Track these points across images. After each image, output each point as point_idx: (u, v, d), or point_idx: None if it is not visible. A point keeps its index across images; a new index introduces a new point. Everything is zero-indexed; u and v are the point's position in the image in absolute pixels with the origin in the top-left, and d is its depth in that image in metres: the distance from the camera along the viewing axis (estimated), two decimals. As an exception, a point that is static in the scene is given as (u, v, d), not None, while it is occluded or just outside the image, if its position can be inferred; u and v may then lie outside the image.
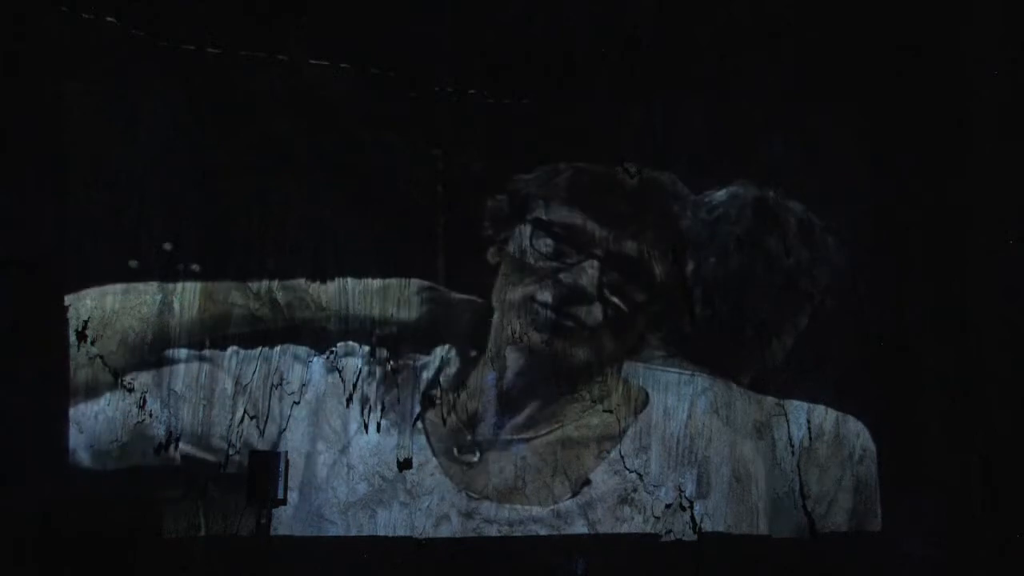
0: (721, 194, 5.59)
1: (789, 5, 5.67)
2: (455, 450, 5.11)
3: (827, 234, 5.73)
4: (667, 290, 5.46)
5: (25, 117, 4.52)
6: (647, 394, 5.41)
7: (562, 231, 5.32)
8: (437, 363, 5.13)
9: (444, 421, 5.10)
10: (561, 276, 5.29)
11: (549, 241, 5.30)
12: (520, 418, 5.22)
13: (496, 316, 5.22)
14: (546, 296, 5.26)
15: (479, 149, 5.24)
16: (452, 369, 5.15)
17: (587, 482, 5.26)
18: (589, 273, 5.32)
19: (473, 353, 5.17)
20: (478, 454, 5.15)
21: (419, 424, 5.07)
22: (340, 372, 4.98)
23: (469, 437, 5.13)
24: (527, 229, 5.29)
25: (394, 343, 5.07)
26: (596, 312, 5.32)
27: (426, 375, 5.10)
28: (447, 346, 5.15)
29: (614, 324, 5.36)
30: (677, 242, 5.48)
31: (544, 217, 5.31)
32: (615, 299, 5.36)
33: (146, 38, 4.73)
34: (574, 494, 5.24)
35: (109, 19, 4.67)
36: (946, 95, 5.77)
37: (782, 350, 5.64)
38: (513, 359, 5.22)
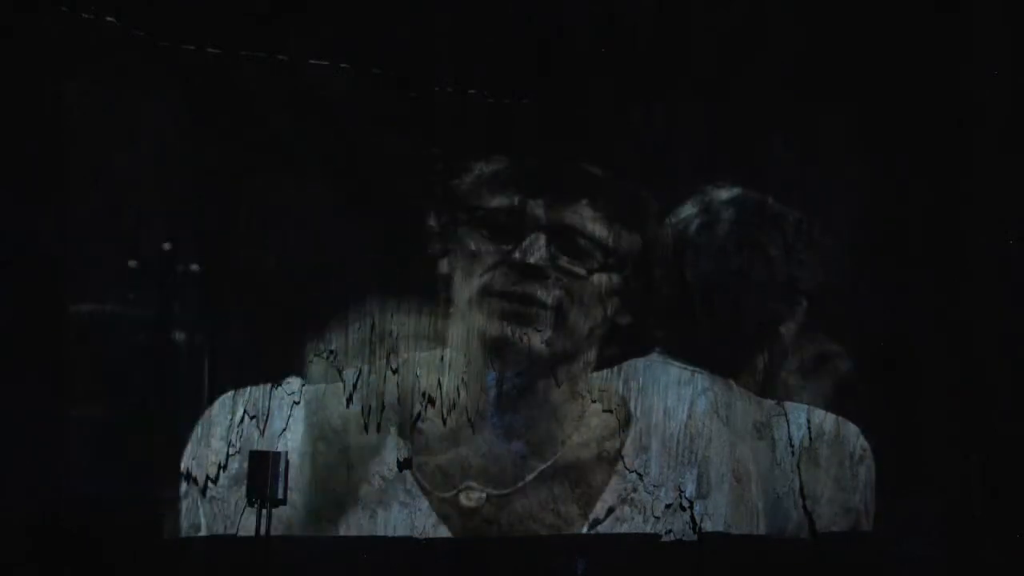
0: (722, 195, 5.59)
1: (789, 5, 5.67)
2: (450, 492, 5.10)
3: (827, 234, 5.73)
4: (667, 292, 5.47)
5: (25, 117, 4.51)
6: (628, 410, 5.40)
7: (569, 236, 5.30)
8: (437, 365, 5.12)
9: (444, 422, 5.09)
10: (556, 278, 5.27)
11: (548, 244, 5.28)
12: (522, 437, 5.21)
13: (476, 320, 5.19)
14: (545, 298, 5.25)
15: (479, 149, 5.24)
16: (452, 371, 5.15)
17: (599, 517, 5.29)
18: (586, 275, 5.31)
19: (467, 356, 5.18)
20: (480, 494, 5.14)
21: (419, 425, 5.07)
22: (340, 372, 4.98)
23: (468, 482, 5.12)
24: (539, 237, 5.25)
25: (394, 342, 5.06)
26: (592, 315, 5.31)
27: (426, 375, 5.10)
28: (447, 348, 5.15)
29: (612, 328, 5.35)
30: (678, 244, 5.49)
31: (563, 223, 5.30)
32: (613, 299, 5.35)
33: (146, 38, 4.73)
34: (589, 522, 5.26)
35: (109, 19, 4.67)
36: (946, 95, 5.77)
37: (782, 350, 5.64)
38: (510, 364, 5.22)
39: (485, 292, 5.19)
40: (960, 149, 5.76)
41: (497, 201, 5.25)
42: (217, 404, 4.78)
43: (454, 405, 5.10)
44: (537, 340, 5.21)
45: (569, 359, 5.29)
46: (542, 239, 5.24)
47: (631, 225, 5.40)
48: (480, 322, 5.19)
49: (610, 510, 5.25)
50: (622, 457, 5.30)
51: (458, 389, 5.12)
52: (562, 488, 5.21)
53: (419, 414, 5.06)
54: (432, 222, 5.17)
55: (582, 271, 5.29)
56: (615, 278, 5.35)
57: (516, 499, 5.15)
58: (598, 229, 5.32)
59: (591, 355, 5.33)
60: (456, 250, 5.19)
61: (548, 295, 5.24)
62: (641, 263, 5.41)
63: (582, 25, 5.38)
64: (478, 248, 5.21)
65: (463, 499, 5.09)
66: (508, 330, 5.20)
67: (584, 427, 5.29)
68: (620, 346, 5.38)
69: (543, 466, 5.19)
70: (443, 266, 5.17)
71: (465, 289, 5.18)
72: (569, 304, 5.27)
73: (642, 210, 5.44)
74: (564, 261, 5.27)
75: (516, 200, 5.26)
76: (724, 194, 5.58)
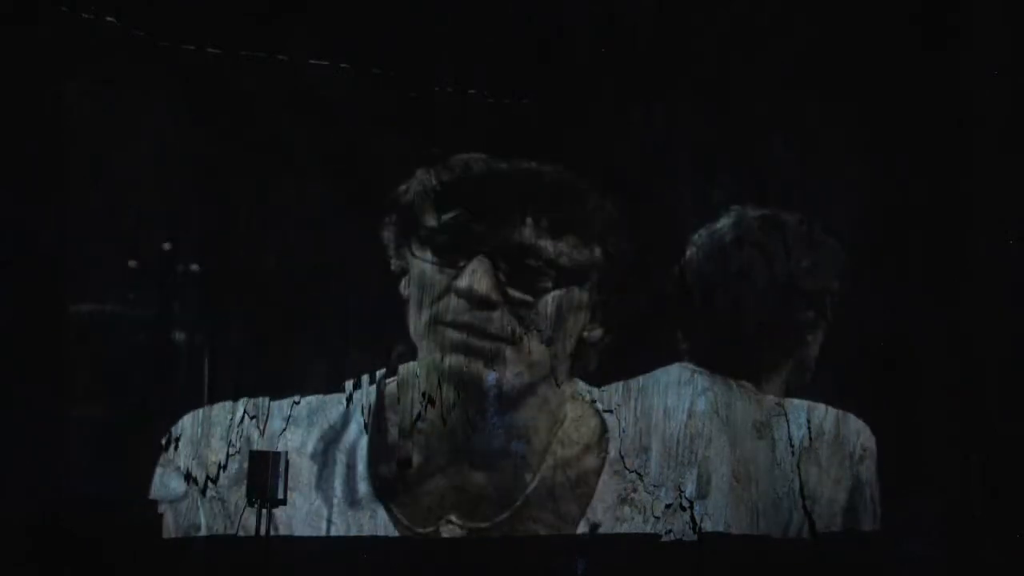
0: (722, 195, 5.60)
1: (789, 5, 5.67)
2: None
3: (827, 235, 5.73)
4: (667, 292, 5.46)
5: (25, 117, 4.51)
6: (602, 421, 5.36)
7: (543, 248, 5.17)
8: (435, 368, 5.12)
9: (445, 422, 5.08)
10: (505, 305, 5.15)
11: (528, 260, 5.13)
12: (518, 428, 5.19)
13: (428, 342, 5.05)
14: (496, 328, 5.13)
15: (479, 149, 5.23)
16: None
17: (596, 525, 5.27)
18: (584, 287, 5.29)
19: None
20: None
21: (419, 425, 5.07)
22: (340, 372, 4.98)
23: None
24: (482, 261, 5.05)
25: (393, 342, 5.06)
26: (564, 331, 5.28)
27: (424, 376, 5.10)
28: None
29: (582, 342, 5.32)
30: (677, 244, 5.49)
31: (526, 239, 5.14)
32: (578, 315, 5.31)
33: (146, 38, 4.73)
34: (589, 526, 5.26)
35: (109, 19, 4.67)
36: (946, 95, 5.77)
37: (782, 350, 5.64)
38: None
39: (436, 321, 5.01)
40: (960, 149, 5.76)
41: (439, 218, 5.04)
42: (217, 404, 4.78)
43: (453, 406, 5.10)
44: (495, 368, 5.10)
45: (540, 378, 5.18)
46: (486, 264, 5.03)
47: (587, 237, 5.20)
48: (434, 352, 5.03)
49: (594, 527, 5.22)
50: (606, 462, 5.29)
51: (458, 392, 5.11)
52: (543, 514, 5.19)
53: (419, 414, 5.06)
54: (387, 235, 5.02)
55: (530, 297, 5.10)
56: (577, 293, 5.23)
57: (499, 531, 5.08)
58: (548, 246, 5.12)
59: (564, 370, 5.26)
60: (410, 271, 5.02)
61: (499, 325, 5.07)
62: (609, 274, 5.32)
63: (582, 25, 5.38)
64: (428, 271, 4.99)
65: (444, 533, 5.01)
66: (463, 362, 5.04)
67: (565, 441, 5.26)
68: (627, 357, 5.35)
69: (521, 499, 5.10)
70: (403, 287, 5.03)
71: (421, 316, 5.02)
72: (523, 330, 5.10)
73: (600, 219, 5.27)
74: (512, 287, 5.06)
75: (457, 217, 5.07)
76: (725, 194, 5.59)
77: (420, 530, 4.97)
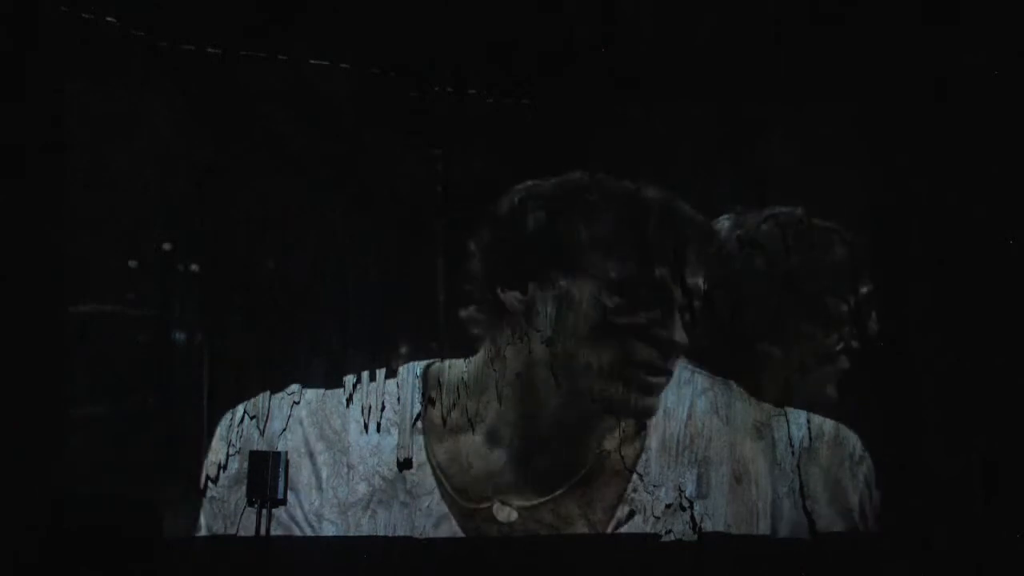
0: (723, 195, 5.60)
1: (789, 5, 5.67)
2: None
3: (827, 234, 5.73)
4: (666, 291, 5.46)
5: (25, 117, 4.51)
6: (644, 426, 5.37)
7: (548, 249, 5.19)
8: (435, 368, 5.12)
9: (444, 421, 5.09)
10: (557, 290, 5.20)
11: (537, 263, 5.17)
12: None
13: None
14: (542, 308, 5.21)
15: (479, 149, 5.24)
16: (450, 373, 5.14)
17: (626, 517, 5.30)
18: (584, 287, 5.26)
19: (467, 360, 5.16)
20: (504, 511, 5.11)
21: (419, 424, 5.07)
22: (340, 372, 4.98)
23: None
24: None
25: (394, 343, 5.06)
26: (594, 320, 5.27)
27: (424, 376, 5.10)
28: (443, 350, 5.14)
29: (613, 330, 5.32)
30: (677, 244, 5.49)
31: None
32: (611, 305, 5.30)
33: (146, 38, 4.73)
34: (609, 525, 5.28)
35: (109, 19, 4.67)
36: (946, 94, 5.77)
37: (781, 350, 5.64)
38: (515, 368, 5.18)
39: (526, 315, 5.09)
40: (960, 149, 5.76)
41: (545, 231, 5.12)
42: (217, 404, 4.78)
43: (454, 405, 5.09)
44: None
45: None
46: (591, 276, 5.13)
47: (696, 262, 5.35)
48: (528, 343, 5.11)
49: (631, 513, 5.25)
50: (628, 460, 5.30)
51: (458, 391, 5.11)
52: (589, 498, 5.21)
53: (419, 414, 5.06)
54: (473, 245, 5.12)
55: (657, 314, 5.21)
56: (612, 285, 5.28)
57: (545, 509, 5.13)
58: (658, 270, 5.26)
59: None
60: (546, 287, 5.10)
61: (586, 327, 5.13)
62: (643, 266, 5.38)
63: (582, 26, 5.38)
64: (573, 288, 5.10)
65: (497, 514, 5.06)
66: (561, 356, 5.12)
67: (621, 434, 5.29)
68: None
69: (575, 478, 5.17)
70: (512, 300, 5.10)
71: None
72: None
73: (708, 246, 5.43)
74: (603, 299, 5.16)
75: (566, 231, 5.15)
76: (726, 194, 5.60)
77: (471, 506, 5.04)
